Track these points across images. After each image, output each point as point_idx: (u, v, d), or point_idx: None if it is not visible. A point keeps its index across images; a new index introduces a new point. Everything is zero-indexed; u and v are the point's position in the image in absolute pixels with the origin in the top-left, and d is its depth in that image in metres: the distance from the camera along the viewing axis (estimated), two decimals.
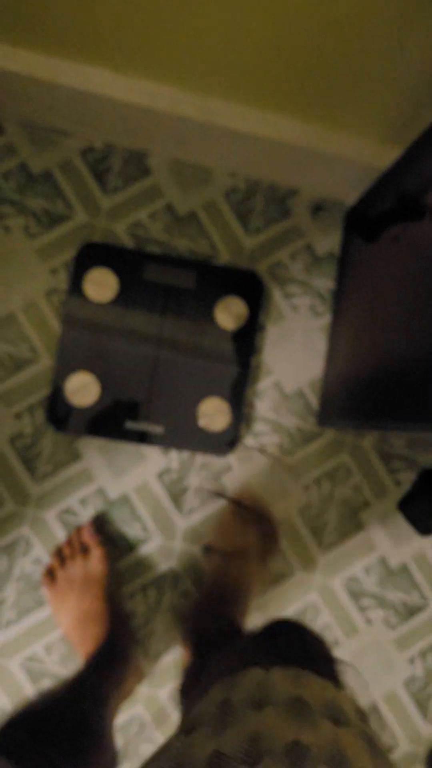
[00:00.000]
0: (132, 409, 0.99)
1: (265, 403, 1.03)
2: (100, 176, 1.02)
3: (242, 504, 0.99)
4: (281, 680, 0.43)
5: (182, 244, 1.03)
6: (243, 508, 0.99)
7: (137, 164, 1.02)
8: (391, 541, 1.04)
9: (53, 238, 1.01)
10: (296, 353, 1.04)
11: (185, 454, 1.01)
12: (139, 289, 1.00)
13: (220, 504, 1.01)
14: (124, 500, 1.01)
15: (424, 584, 1.04)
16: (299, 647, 0.57)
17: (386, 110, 0.82)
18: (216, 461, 1.02)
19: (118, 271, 1.00)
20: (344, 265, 1.02)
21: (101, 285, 0.99)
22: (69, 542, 0.97)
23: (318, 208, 1.05)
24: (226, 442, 1.00)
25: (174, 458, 1.01)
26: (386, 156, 0.89)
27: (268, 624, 0.63)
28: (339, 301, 1.01)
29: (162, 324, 1.00)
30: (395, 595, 1.04)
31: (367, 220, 0.67)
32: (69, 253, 1.00)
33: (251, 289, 1.02)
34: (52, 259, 1.00)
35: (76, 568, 0.94)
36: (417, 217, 0.64)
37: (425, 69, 0.73)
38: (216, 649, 0.73)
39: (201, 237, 1.03)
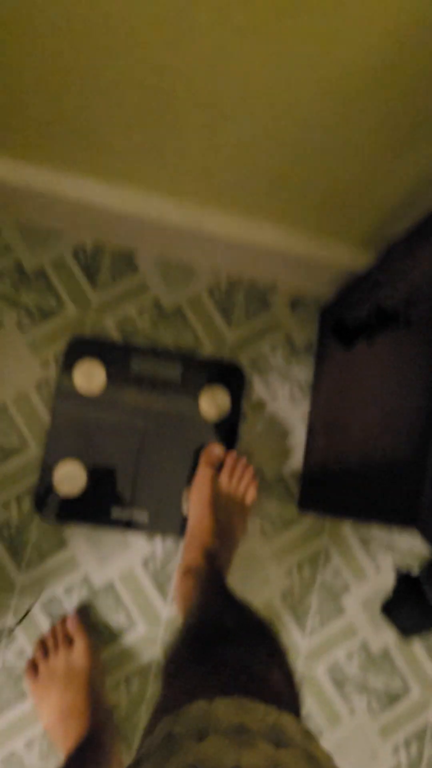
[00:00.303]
0: (118, 497, 1.01)
1: None
2: (90, 273, 1.07)
3: (214, 457, 1.03)
4: (224, 709, 0.45)
5: (168, 337, 1.08)
6: (215, 461, 1.03)
7: (126, 262, 1.08)
8: (372, 626, 1.06)
9: (45, 332, 1.05)
10: (277, 440, 1.08)
11: (170, 541, 1.03)
12: (127, 380, 1.04)
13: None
14: (109, 588, 1.02)
15: (406, 670, 1.05)
16: (246, 671, 0.58)
17: (361, 219, 0.89)
18: None
19: (107, 364, 1.04)
20: (321, 357, 1.07)
21: (90, 377, 1.03)
22: (53, 633, 0.97)
23: (296, 303, 1.12)
24: None
25: (159, 545, 1.03)
26: (361, 258, 0.96)
27: (220, 654, 0.63)
28: (316, 391, 1.06)
29: (147, 414, 1.04)
30: (377, 681, 1.05)
31: (346, 328, 0.73)
32: (59, 346, 1.05)
33: (233, 379, 1.07)
34: (43, 351, 1.05)
35: (60, 660, 0.94)
36: (392, 327, 0.69)
37: (400, 188, 0.80)
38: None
39: (186, 330, 1.09)
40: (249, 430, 1.08)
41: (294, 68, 0.61)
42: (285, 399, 1.09)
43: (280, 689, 0.57)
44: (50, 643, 0.96)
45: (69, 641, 0.96)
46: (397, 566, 1.04)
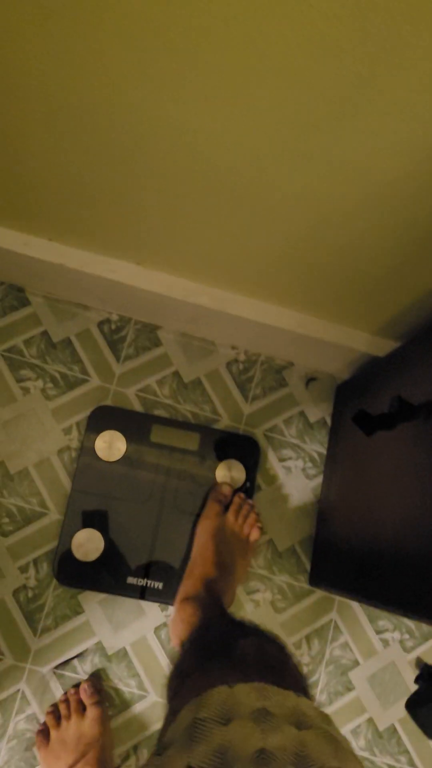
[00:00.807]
0: (134, 565, 1.04)
1: (259, 560, 1.09)
2: (114, 345, 1.12)
3: (222, 496, 1.05)
4: (245, 695, 0.46)
5: (187, 409, 1.12)
6: (224, 499, 1.05)
7: (149, 336, 1.13)
8: (380, 702, 1.07)
9: (69, 400, 1.09)
10: (289, 513, 1.11)
11: None
12: (146, 449, 1.08)
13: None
14: (122, 655, 1.03)
15: (412, 748, 1.06)
16: (261, 662, 0.60)
17: (383, 309, 0.94)
18: None
19: (127, 433, 1.08)
20: (335, 433, 1.11)
21: (111, 445, 1.07)
22: (65, 700, 0.99)
23: (311, 379, 1.16)
24: None
25: (171, 614, 1.05)
26: (380, 345, 1.00)
27: (229, 642, 0.66)
28: (330, 467, 1.10)
29: (166, 484, 1.07)
30: (383, 761, 1.06)
31: (367, 417, 0.76)
32: (82, 414, 1.09)
33: (249, 452, 1.11)
34: (66, 419, 1.09)
35: (71, 729, 0.95)
36: (412, 418, 0.73)
37: (425, 282, 0.84)
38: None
39: (204, 402, 1.13)
40: (263, 502, 1.11)
41: (343, 173, 0.63)
42: (298, 473, 1.13)
43: (296, 676, 0.60)
44: (63, 710, 0.97)
45: (81, 709, 0.97)
46: (422, 662, 1.06)
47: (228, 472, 1.09)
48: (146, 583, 1.04)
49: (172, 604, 1.04)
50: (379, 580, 0.79)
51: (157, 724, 1.02)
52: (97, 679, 1.02)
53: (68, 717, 0.96)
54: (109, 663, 1.03)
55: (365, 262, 0.81)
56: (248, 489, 1.09)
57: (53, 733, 0.95)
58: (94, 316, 1.12)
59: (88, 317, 1.12)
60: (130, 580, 1.04)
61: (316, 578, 1.05)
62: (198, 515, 1.06)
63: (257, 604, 1.08)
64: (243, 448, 1.11)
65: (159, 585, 1.04)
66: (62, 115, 0.65)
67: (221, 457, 1.09)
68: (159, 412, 1.11)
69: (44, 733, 0.96)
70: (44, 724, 0.97)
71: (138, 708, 1.02)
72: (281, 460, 1.13)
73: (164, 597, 1.04)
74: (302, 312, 0.99)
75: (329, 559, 1.00)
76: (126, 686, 1.03)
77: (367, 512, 0.86)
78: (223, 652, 0.64)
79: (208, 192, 0.73)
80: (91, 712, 0.96)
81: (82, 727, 0.95)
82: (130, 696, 1.03)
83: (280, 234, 0.79)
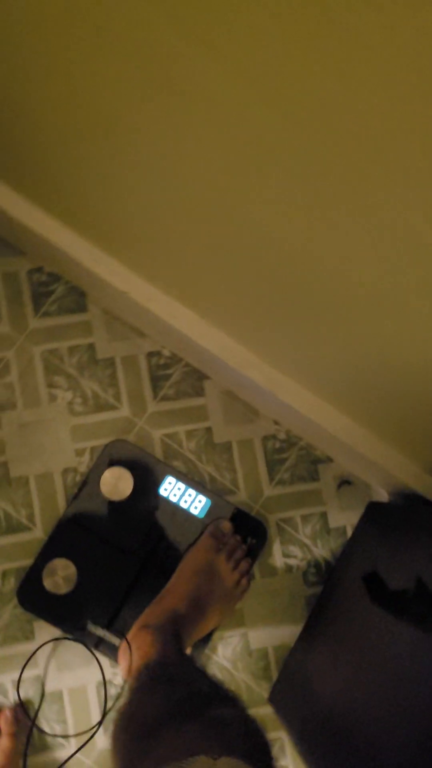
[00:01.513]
0: (98, 613, 0.98)
1: (227, 650, 1.02)
2: (156, 381, 1.05)
3: (221, 534, 0.98)
4: None
5: (207, 470, 1.05)
6: (221, 537, 0.98)
7: (194, 383, 1.06)
8: None
9: (92, 422, 1.04)
10: (276, 613, 1.03)
11: None
12: (151, 499, 1.01)
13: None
14: (57, 697, 0.99)
15: None
16: (244, 739, 0.57)
17: None
18: None
19: (137, 475, 1.01)
20: (352, 550, 1.02)
21: (117, 483, 1.01)
22: None
23: (345, 482, 1.07)
24: None
25: (120, 676, 1.00)
26: (424, 481, 0.90)
27: (206, 704, 0.63)
28: (331, 587, 1.01)
29: (158, 542, 1.00)
30: None
31: (380, 583, 0.68)
32: (100, 441, 1.03)
33: (255, 536, 1.03)
34: (83, 440, 1.03)
35: None
36: (427, 609, 0.64)
37: None
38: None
39: (227, 470, 1.05)
40: (251, 593, 1.03)
41: None
42: (299, 575, 1.04)
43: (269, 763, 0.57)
44: None
45: None
46: None
47: None
48: (104, 635, 0.98)
49: None
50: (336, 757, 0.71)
51: None
52: (23, 710, 0.97)
53: None
54: (41, 700, 0.98)
55: None
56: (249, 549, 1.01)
57: None
58: (146, 345, 1.06)
59: (140, 344, 1.06)
60: (90, 626, 0.98)
61: (275, 699, 0.97)
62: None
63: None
64: (250, 530, 1.03)
65: (117, 641, 0.98)
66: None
67: None
68: (177, 464, 1.04)
69: None
70: None
71: (55, 755, 0.98)
72: (285, 555, 1.05)
73: (117, 656, 0.98)
74: (354, 419, 0.90)
75: (295, 689, 0.92)
76: (50, 729, 0.98)
77: (350, 677, 0.77)
78: (199, 714, 0.60)
79: (300, 284, 0.64)
80: (4, 742, 0.92)
81: None
82: (51, 741, 0.98)
83: (366, 342, 0.69)
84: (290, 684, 0.94)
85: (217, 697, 0.66)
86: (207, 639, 0.99)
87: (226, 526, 1.00)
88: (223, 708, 0.63)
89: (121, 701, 0.94)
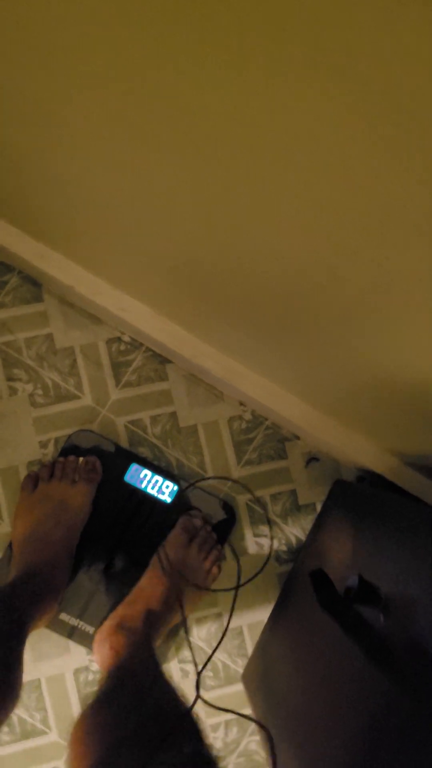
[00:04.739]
0: (70, 603, 0.99)
1: (201, 631, 1.03)
2: (118, 368, 1.04)
3: (192, 527, 0.99)
4: None
5: (174, 455, 1.04)
6: (192, 531, 0.99)
7: (156, 367, 1.05)
8: None
9: (54, 413, 1.02)
10: (249, 592, 1.04)
11: None
12: (117, 489, 1.01)
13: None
14: (35, 687, 1.00)
15: None
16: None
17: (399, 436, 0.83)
18: None
19: (103, 465, 1.01)
20: (319, 527, 1.02)
21: None
22: (64, 464, 0.97)
23: (313, 459, 1.07)
24: None
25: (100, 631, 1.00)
26: (385, 463, 0.90)
27: (173, 751, 0.63)
28: (301, 562, 1.01)
29: (126, 529, 1.00)
30: None
31: (326, 581, 0.68)
32: (64, 432, 1.02)
33: (224, 518, 1.03)
34: (46, 432, 1.02)
35: (60, 489, 0.94)
36: (371, 606, 0.64)
37: None
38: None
39: (194, 453, 1.05)
40: (223, 574, 1.03)
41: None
42: (270, 553, 1.05)
43: None
44: (58, 471, 0.96)
45: (76, 480, 0.96)
46: None
47: None
48: (78, 624, 0.99)
49: None
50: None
51: (48, 764, 0.99)
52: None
53: (62, 479, 0.95)
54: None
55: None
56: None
57: (41, 484, 0.95)
58: (105, 332, 1.04)
59: (99, 332, 1.04)
60: (63, 616, 0.99)
61: (246, 677, 0.98)
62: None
63: (186, 674, 1.03)
64: (218, 512, 1.03)
65: (90, 629, 0.99)
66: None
67: None
68: (143, 450, 1.04)
69: (33, 480, 0.95)
70: (36, 473, 0.96)
71: (35, 743, 0.99)
72: (256, 535, 1.05)
73: (91, 643, 0.99)
74: (314, 407, 0.89)
75: (262, 669, 0.93)
76: (30, 717, 0.99)
77: (302, 660, 0.77)
78: (158, 746, 0.61)
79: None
80: (83, 485, 0.95)
81: (71, 492, 0.94)
82: (31, 728, 0.99)
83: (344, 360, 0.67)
84: (259, 664, 0.96)
85: (181, 728, 0.67)
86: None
87: (198, 520, 1.00)
88: (184, 743, 0.63)
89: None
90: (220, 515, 1.03)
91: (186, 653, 1.02)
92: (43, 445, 1.02)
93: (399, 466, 0.87)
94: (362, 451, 0.90)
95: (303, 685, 0.71)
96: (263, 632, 1.01)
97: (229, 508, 1.03)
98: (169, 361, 1.05)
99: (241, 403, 1.06)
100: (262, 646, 0.98)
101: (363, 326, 0.51)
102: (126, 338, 1.04)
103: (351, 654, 0.61)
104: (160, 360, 1.05)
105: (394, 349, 0.52)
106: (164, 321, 0.87)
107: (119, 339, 1.04)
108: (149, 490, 1.01)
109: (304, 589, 0.88)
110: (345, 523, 0.89)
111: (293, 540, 1.05)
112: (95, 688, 0.97)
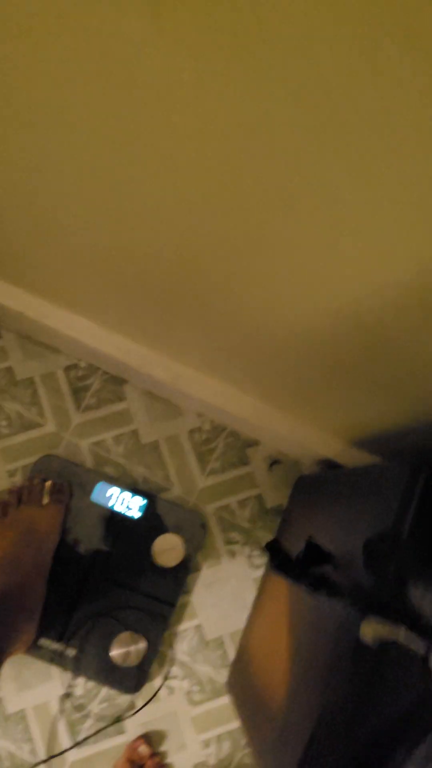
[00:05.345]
0: (51, 626, 0.99)
1: (183, 645, 1.03)
2: (77, 393, 1.08)
3: (140, 755, 0.97)
4: None
5: (139, 472, 1.07)
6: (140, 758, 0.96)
7: (114, 389, 1.09)
8: None
9: (20, 442, 1.06)
10: (225, 600, 1.05)
11: (92, 684, 1.00)
12: (85, 507, 1.03)
13: None
14: (20, 718, 0.99)
15: None
16: None
17: (343, 420, 0.86)
18: (121, 697, 1.00)
19: (70, 485, 1.03)
20: (286, 524, 1.04)
21: None
22: (30, 488, 0.98)
23: (275, 462, 1.09)
24: (135, 680, 0.99)
25: (80, 684, 1.00)
26: (335, 449, 0.93)
27: None
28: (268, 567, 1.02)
29: (98, 548, 1.02)
30: None
31: (279, 549, 0.69)
32: (30, 460, 1.05)
33: (194, 529, 1.04)
34: (13, 461, 1.05)
35: (29, 512, 0.95)
36: (324, 567, 0.66)
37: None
38: None
39: (158, 468, 1.07)
40: (199, 585, 1.05)
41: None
42: (243, 559, 1.06)
43: None
44: (25, 495, 0.97)
45: (44, 503, 0.97)
46: None
47: (167, 547, 1.03)
48: (59, 648, 0.99)
49: (81, 675, 0.99)
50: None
51: None
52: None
53: (29, 503, 0.96)
54: (6, 723, 0.99)
55: (334, 380, 0.73)
56: (185, 568, 1.03)
57: (10, 510, 0.95)
58: (62, 360, 1.09)
59: (56, 360, 1.09)
60: (44, 642, 0.99)
61: (231, 685, 0.98)
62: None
63: (171, 691, 1.02)
64: (188, 524, 1.05)
65: (72, 652, 0.99)
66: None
67: (163, 529, 1.04)
68: (109, 469, 1.06)
69: (1, 507, 0.95)
70: (4, 501, 0.96)
71: None
72: (227, 543, 1.07)
73: (75, 666, 0.99)
74: (264, 401, 0.93)
75: (242, 674, 0.93)
76: (18, 749, 0.99)
77: (277, 653, 0.78)
78: None
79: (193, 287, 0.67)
80: (51, 507, 0.97)
81: (39, 515, 0.95)
82: (21, 761, 0.98)
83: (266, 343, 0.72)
84: (240, 669, 0.95)
85: None
86: None
87: (144, 750, 0.97)
88: None
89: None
90: (189, 526, 1.04)
91: (171, 669, 1.02)
92: (12, 474, 1.05)
93: (346, 447, 0.90)
94: (313, 439, 0.93)
95: (283, 669, 0.72)
96: (242, 636, 1.01)
97: (197, 518, 1.05)
98: (126, 381, 1.09)
99: (200, 414, 1.09)
100: (240, 649, 0.98)
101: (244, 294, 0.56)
102: (83, 364, 1.09)
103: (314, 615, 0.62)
104: (117, 381, 1.09)
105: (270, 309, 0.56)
106: (110, 334, 0.92)
107: (76, 365, 1.09)
108: (117, 508, 1.03)
109: (276, 583, 0.89)
110: (305, 508, 0.91)
111: (264, 543, 1.06)
112: (82, 713, 0.97)
